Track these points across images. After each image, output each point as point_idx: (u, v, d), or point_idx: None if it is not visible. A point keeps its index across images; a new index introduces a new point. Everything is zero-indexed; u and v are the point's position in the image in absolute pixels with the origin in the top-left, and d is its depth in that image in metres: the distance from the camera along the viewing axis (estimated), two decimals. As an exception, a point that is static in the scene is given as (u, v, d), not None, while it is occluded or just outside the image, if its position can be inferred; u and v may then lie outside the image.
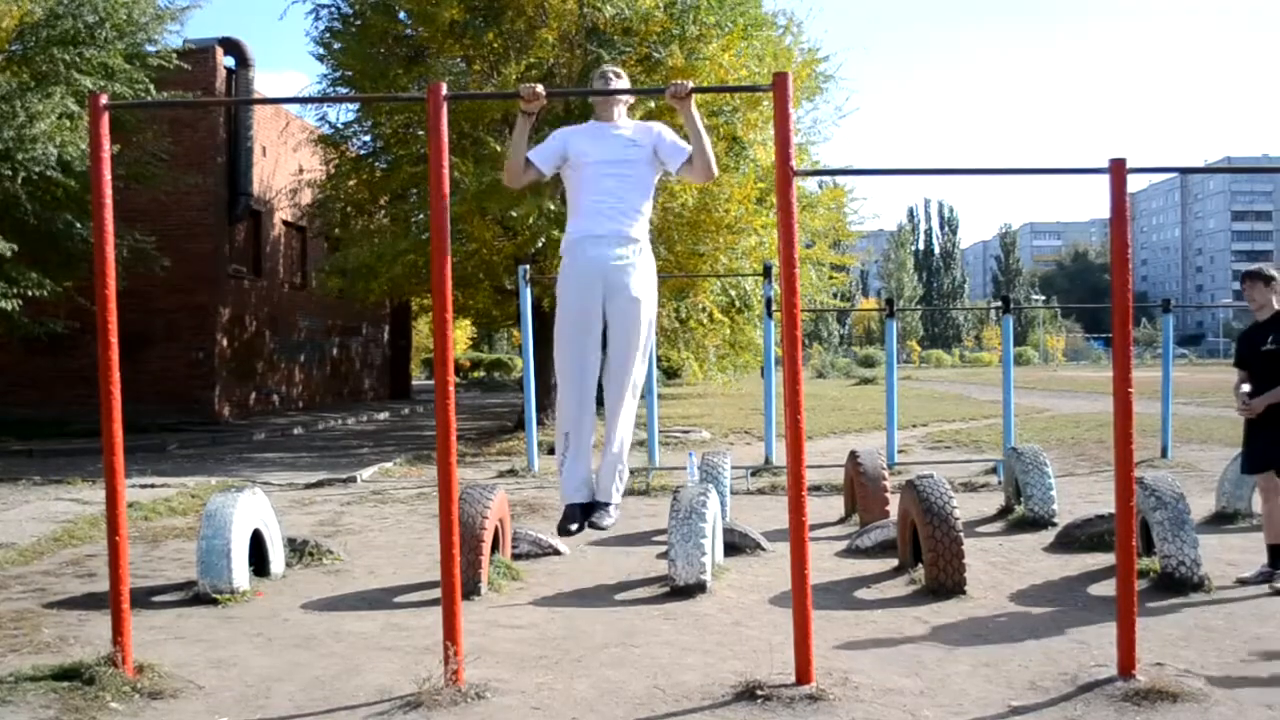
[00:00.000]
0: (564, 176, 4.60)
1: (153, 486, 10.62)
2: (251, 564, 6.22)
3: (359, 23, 16.31)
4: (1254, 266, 6.38)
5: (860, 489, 8.09)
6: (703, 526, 6.00)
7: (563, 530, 4.50)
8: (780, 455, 10.60)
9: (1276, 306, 6.13)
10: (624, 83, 4.67)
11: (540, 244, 14.73)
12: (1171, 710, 4.03)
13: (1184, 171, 6.14)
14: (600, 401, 4.58)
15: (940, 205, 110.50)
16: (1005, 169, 4.94)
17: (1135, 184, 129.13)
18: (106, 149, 4.51)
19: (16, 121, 12.37)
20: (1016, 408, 12.42)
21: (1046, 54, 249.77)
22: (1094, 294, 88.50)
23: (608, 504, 4.49)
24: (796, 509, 4.24)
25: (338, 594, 6.18)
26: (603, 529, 4.52)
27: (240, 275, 20.99)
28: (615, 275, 4.32)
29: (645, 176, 4.51)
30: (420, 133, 15.17)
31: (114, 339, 4.49)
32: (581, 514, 4.45)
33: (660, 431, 12.88)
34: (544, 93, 4.35)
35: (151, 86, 14.35)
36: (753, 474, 11.11)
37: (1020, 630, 5.22)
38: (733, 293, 17.47)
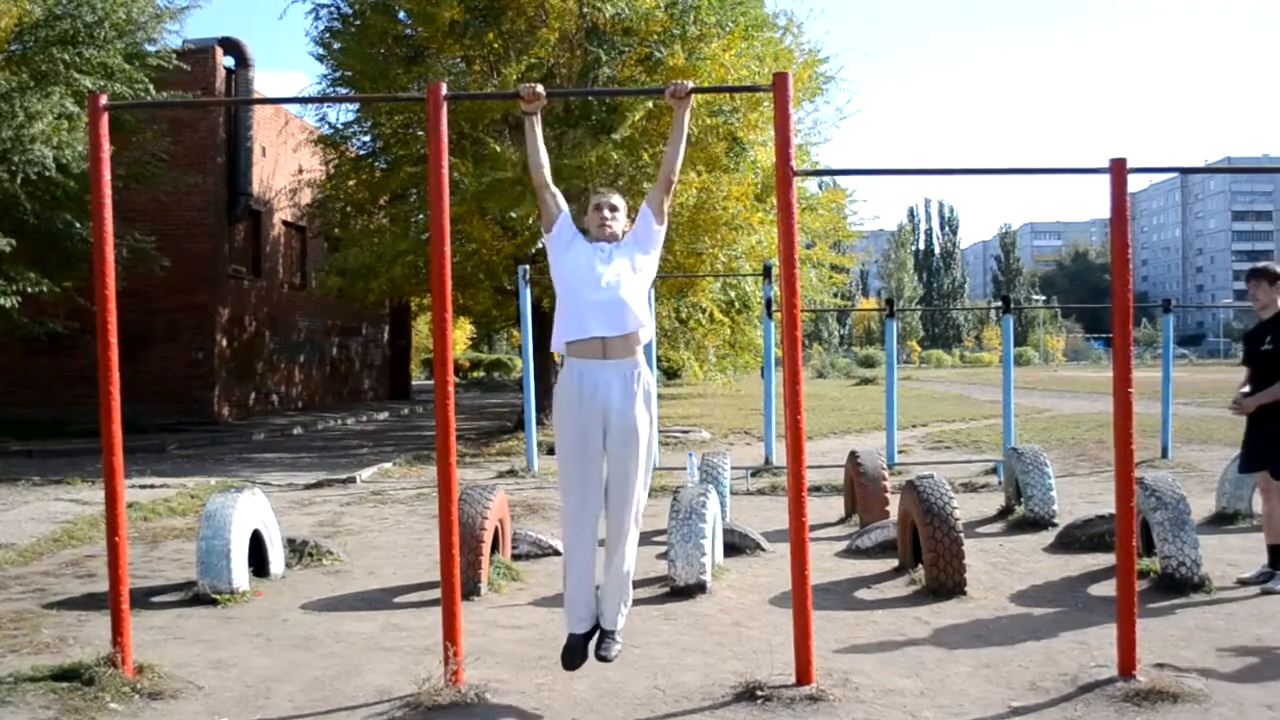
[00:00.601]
0: (556, 266, 4.40)
1: (152, 487, 10.62)
2: (251, 564, 6.21)
3: (359, 23, 16.31)
4: (1260, 265, 6.23)
5: (860, 489, 8.09)
6: (702, 527, 6.00)
7: (567, 664, 4.33)
8: (780, 455, 10.60)
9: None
10: (621, 213, 4.50)
11: (540, 244, 14.72)
12: (1172, 711, 4.03)
13: (1184, 171, 6.13)
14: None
15: (940, 205, 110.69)
16: (1005, 169, 4.94)
17: (1135, 184, 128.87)
18: (106, 149, 4.51)
19: (15, 122, 12.36)
20: (1017, 408, 12.42)
21: (1046, 54, 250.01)
22: (1094, 294, 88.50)
23: (612, 632, 4.34)
24: (796, 509, 4.23)
25: (337, 594, 6.17)
26: (608, 661, 4.34)
27: (240, 275, 20.99)
28: (616, 410, 4.19)
29: (641, 277, 4.35)
30: (420, 133, 15.18)
31: (114, 339, 4.49)
32: (583, 643, 4.32)
33: (660, 432, 12.87)
34: (544, 93, 4.34)
35: (151, 86, 14.34)
36: (753, 474, 11.11)
37: (1020, 631, 5.21)
38: (732, 293, 17.46)
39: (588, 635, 4.34)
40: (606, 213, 4.44)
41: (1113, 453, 4.44)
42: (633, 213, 4.59)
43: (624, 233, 4.50)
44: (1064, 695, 4.23)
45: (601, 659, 4.32)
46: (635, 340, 4.27)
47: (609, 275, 4.26)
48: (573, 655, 4.32)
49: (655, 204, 4.44)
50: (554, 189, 4.46)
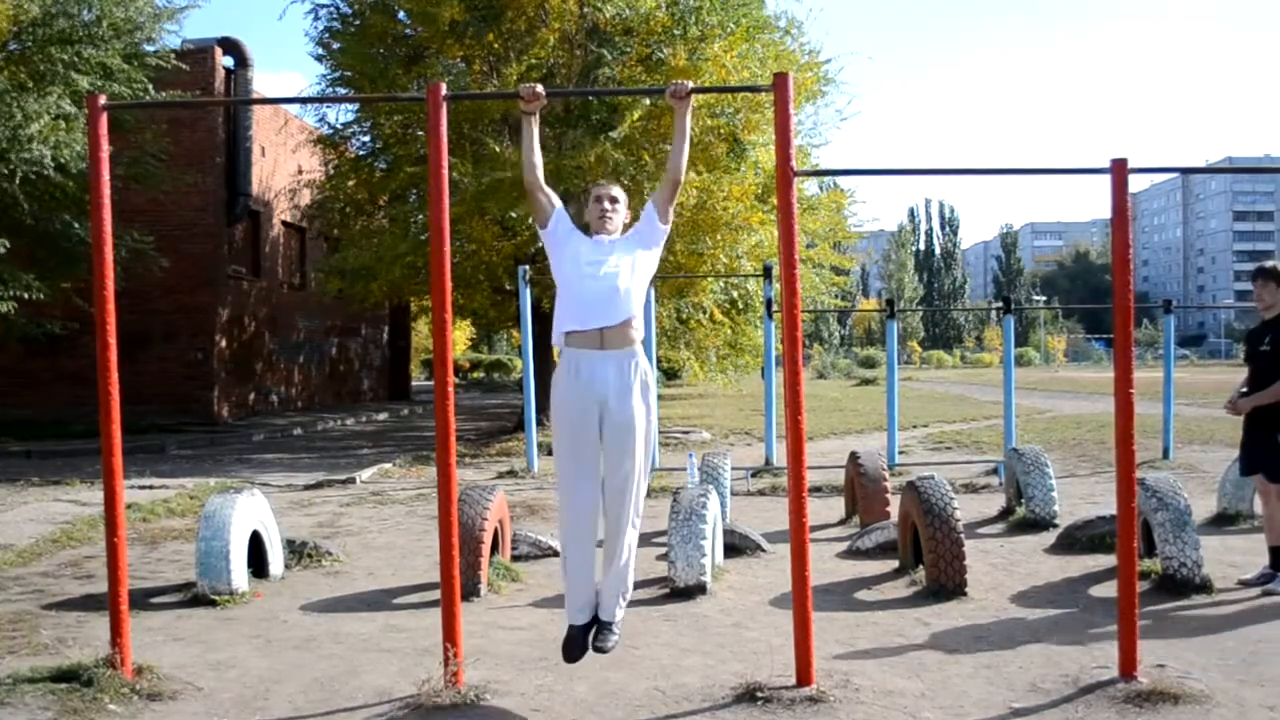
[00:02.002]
0: (556, 262, 4.40)
1: (151, 488, 10.60)
2: (250, 565, 6.20)
3: (358, 23, 16.30)
4: (1269, 265, 6.16)
5: (861, 490, 8.08)
6: (703, 528, 5.98)
7: (567, 656, 4.34)
8: (781, 456, 10.59)
9: None
10: (621, 205, 4.50)
11: (540, 244, 14.69)
12: (1173, 712, 4.02)
13: (1185, 172, 6.12)
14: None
15: (941, 205, 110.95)
16: (1006, 169, 4.94)
17: (1137, 184, 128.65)
18: (105, 149, 4.50)
19: (13, 122, 12.34)
20: (1017, 408, 12.41)
21: (1047, 54, 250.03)
22: (1095, 294, 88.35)
23: (610, 624, 4.34)
24: (797, 510, 4.22)
25: (337, 595, 6.16)
26: (604, 652, 4.35)
27: (239, 276, 20.96)
28: (613, 400, 4.18)
29: (641, 271, 4.34)
30: (420, 133, 15.17)
31: (113, 339, 4.48)
32: (583, 635, 4.32)
33: (660, 432, 12.87)
34: (544, 93, 4.33)
35: (150, 86, 14.32)
36: (753, 475, 11.09)
37: (1021, 632, 5.20)
38: (734, 293, 17.45)
39: (587, 627, 4.34)
40: (607, 204, 4.43)
41: (1114, 453, 4.44)
42: (637, 210, 4.58)
43: (625, 226, 4.50)
44: (1065, 696, 4.22)
45: (598, 650, 4.32)
46: (633, 330, 4.25)
47: (608, 267, 4.26)
48: (572, 647, 4.33)
49: (660, 203, 4.43)
50: (546, 190, 4.44)
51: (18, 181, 12.70)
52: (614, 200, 4.45)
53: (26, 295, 13.41)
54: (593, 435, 4.22)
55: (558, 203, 4.45)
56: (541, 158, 4.47)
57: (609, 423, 4.20)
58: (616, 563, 4.30)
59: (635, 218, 4.55)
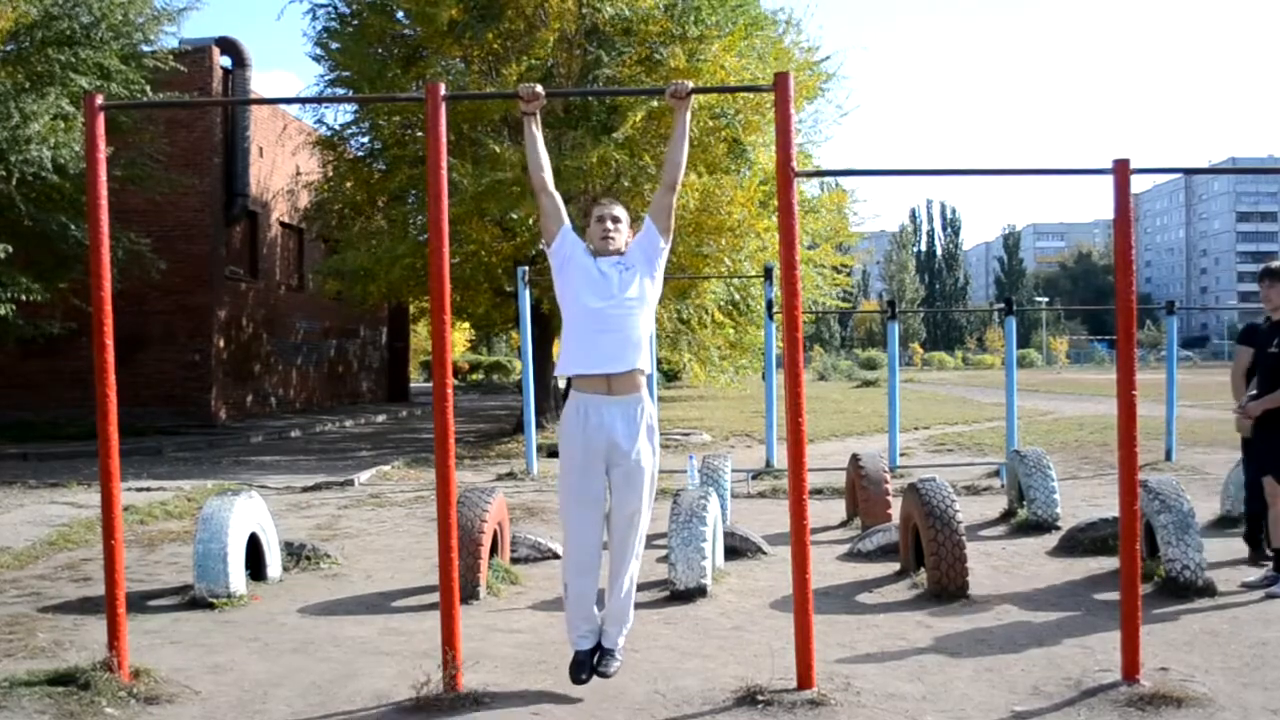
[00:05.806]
0: (560, 283, 4.33)
1: (149, 490, 10.58)
2: (248, 568, 6.17)
3: (356, 23, 16.31)
4: (1277, 264, 6.12)
5: (862, 492, 8.05)
6: (703, 530, 5.96)
7: (574, 679, 4.33)
8: (781, 458, 10.56)
9: None
10: (624, 224, 4.42)
11: (540, 246, 14.68)
12: (1176, 715, 3.99)
13: (1188, 172, 6.08)
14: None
15: (943, 206, 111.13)
16: (1008, 169, 4.91)
17: (1139, 185, 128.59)
18: (102, 150, 4.47)
19: (11, 123, 12.32)
20: (1019, 410, 12.39)
21: (1050, 53, 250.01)
22: (1098, 295, 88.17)
23: (613, 650, 4.36)
24: (798, 512, 4.20)
25: (335, 598, 6.13)
26: (608, 677, 4.36)
27: (237, 277, 20.94)
28: (622, 443, 4.20)
29: (648, 304, 4.31)
30: (419, 134, 15.15)
31: (110, 341, 4.45)
32: (589, 657, 4.34)
33: (660, 434, 12.83)
34: (543, 93, 4.31)
35: (148, 87, 14.29)
36: (754, 477, 11.07)
37: (1023, 634, 5.18)
38: (736, 295, 17.43)
39: (593, 650, 4.35)
40: (609, 224, 4.35)
41: (1116, 455, 4.41)
42: (636, 223, 4.50)
43: (627, 244, 4.41)
44: (1067, 699, 4.20)
45: (600, 675, 4.35)
46: (640, 375, 4.26)
47: (616, 307, 4.20)
48: (579, 670, 4.35)
49: (659, 217, 4.34)
50: (554, 193, 4.38)
51: (14, 183, 12.68)
52: (616, 220, 4.37)
53: (25, 298, 13.38)
54: (599, 475, 4.27)
55: (565, 218, 4.36)
56: (548, 157, 4.43)
57: (616, 465, 4.24)
58: (619, 594, 4.33)
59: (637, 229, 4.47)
